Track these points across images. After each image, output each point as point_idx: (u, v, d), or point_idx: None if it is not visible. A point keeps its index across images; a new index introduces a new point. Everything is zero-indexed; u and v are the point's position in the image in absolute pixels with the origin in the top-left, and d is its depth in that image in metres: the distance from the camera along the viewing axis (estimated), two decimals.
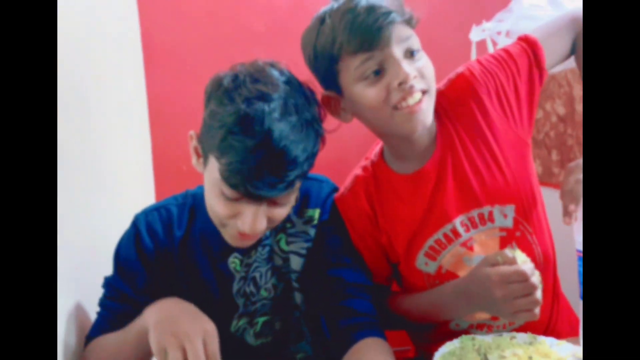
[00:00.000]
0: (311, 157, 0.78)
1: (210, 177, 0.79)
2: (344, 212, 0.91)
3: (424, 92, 0.80)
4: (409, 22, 0.81)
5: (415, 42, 0.81)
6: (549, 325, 0.92)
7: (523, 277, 0.73)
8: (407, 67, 0.78)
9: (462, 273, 0.86)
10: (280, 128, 0.73)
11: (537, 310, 0.75)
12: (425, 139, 0.86)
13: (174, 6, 1.67)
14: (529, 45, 0.88)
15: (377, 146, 0.94)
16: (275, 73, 0.80)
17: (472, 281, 0.79)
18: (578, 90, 1.14)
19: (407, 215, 0.89)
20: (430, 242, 0.87)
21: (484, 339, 0.83)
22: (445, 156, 0.87)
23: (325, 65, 0.82)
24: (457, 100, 0.88)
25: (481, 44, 1.40)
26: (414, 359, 0.99)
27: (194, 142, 0.84)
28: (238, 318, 0.91)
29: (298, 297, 0.91)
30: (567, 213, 0.79)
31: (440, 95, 0.88)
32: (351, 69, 0.80)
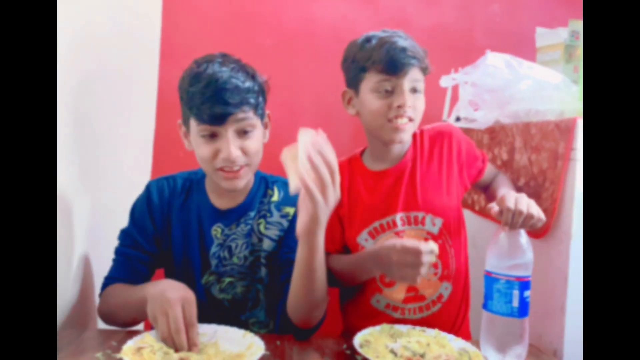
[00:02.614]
0: (250, 90, 1.05)
1: (193, 137, 1.08)
2: None
3: (410, 120, 1.10)
4: (423, 70, 1.11)
5: (420, 85, 1.11)
6: (455, 324, 1.15)
7: (416, 252, 0.94)
8: (409, 98, 1.08)
9: None
10: (220, 71, 1.03)
11: (418, 280, 0.96)
12: (398, 150, 1.17)
13: (194, 22, 1.89)
14: (483, 163, 1.25)
15: (357, 150, 1.23)
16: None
17: (382, 247, 1.02)
18: (519, 142, 1.36)
19: (366, 200, 1.17)
20: (375, 224, 1.15)
21: (400, 329, 1.04)
22: (407, 167, 1.17)
23: (356, 70, 1.12)
24: (434, 141, 1.20)
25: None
26: (342, 334, 1.21)
27: (183, 129, 1.13)
28: (209, 274, 1.15)
29: (263, 271, 1.15)
30: (507, 224, 0.98)
31: (425, 133, 1.21)
32: (372, 81, 1.09)
